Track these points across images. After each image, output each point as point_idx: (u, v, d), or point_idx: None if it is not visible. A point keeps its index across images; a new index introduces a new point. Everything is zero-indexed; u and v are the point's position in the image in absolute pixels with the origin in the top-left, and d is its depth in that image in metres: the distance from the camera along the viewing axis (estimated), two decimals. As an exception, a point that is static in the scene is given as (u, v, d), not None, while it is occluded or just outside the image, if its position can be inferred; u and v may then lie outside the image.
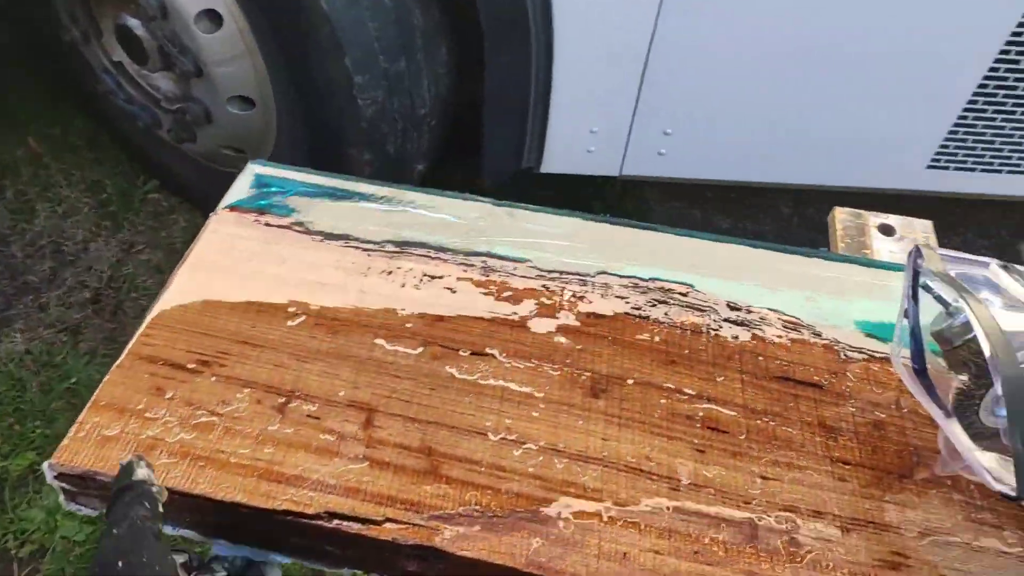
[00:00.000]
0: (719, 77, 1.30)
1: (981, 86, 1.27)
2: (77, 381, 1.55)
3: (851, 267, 0.70)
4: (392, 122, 1.31)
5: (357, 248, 0.69)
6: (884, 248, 0.76)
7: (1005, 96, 1.28)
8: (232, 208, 0.73)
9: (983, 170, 1.39)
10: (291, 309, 0.64)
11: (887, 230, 0.79)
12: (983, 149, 1.36)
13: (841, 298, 0.66)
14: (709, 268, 0.69)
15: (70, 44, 1.52)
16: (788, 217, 1.92)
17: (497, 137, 1.37)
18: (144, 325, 0.62)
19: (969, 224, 1.90)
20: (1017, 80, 1.25)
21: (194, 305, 0.64)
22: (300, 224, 0.71)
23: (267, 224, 0.71)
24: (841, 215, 0.81)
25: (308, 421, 0.57)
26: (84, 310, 1.69)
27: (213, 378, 0.59)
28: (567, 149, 1.42)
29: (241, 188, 0.75)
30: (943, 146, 1.36)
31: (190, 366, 0.60)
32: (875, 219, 0.80)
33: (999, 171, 1.39)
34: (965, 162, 1.38)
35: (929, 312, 0.54)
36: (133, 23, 1.32)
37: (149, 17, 1.29)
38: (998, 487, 0.46)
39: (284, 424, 0.57)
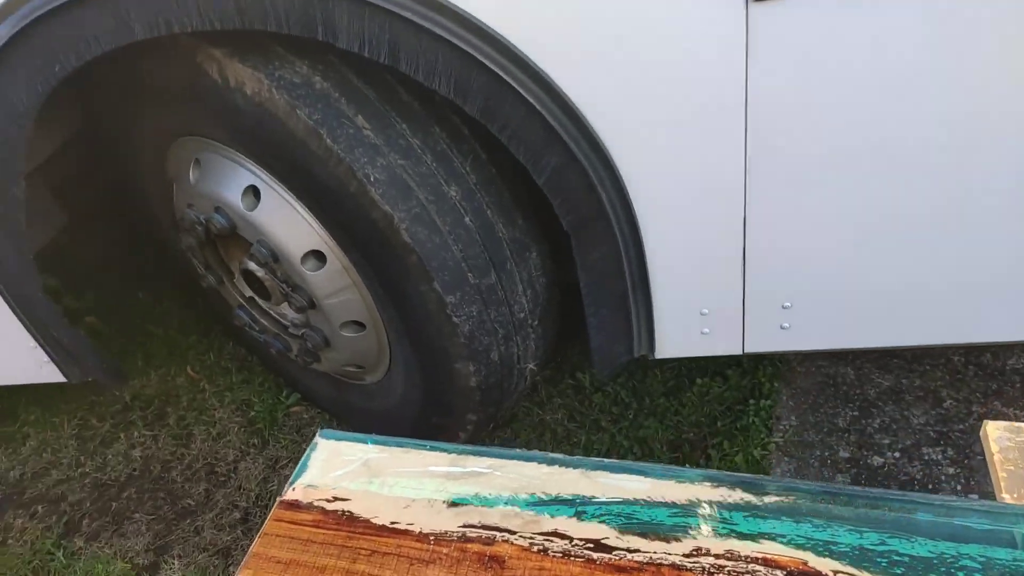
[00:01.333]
0: (834, 237, 1.19)
1: None
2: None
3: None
4: (492, 332, 1.30)
5: (418, 534, 0.64)
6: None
7: None
8: (302, 487, 0.71)
9: None
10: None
11: (1059, 447, 0.63)
12: None
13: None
14: (824, 525, 0.57)
15: (208, 287, 1.68)
16: (961, 366, 1.68)
17: (601, 331, 1.32)
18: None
19: None
20: None
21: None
22: (366, 500, 0.67)
23: (329, 509, 0.68)
24: (995, 433, 0.66)
25: None
26: (234, 531, 1.74)
27: None
28: (679, 334, 1.33)
29: (312, 464, 0.74)
30: None
31: None
32: (1041, 433, 0.65)
33: None
34: None
35: None
36: (254, 267, 1.44)
37: (263, 262, 1.40)
38: None
39: None
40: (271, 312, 1.64)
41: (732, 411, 1.70)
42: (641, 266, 1.24)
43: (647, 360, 1.38)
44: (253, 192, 1.39)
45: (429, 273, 1.20)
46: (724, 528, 0.59)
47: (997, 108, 1.04)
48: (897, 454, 1.56)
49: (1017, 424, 0.67)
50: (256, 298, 1.64)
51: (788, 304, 1.27)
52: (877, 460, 1.55)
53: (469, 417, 1.41)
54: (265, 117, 1.22)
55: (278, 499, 0.71)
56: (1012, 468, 0.64)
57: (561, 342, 1.78)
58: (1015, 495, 0.63)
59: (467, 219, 1.22)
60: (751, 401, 1.69)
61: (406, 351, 1.41)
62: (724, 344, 1.34)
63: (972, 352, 1.69)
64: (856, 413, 1.65)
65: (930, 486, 1.48)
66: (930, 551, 0.55)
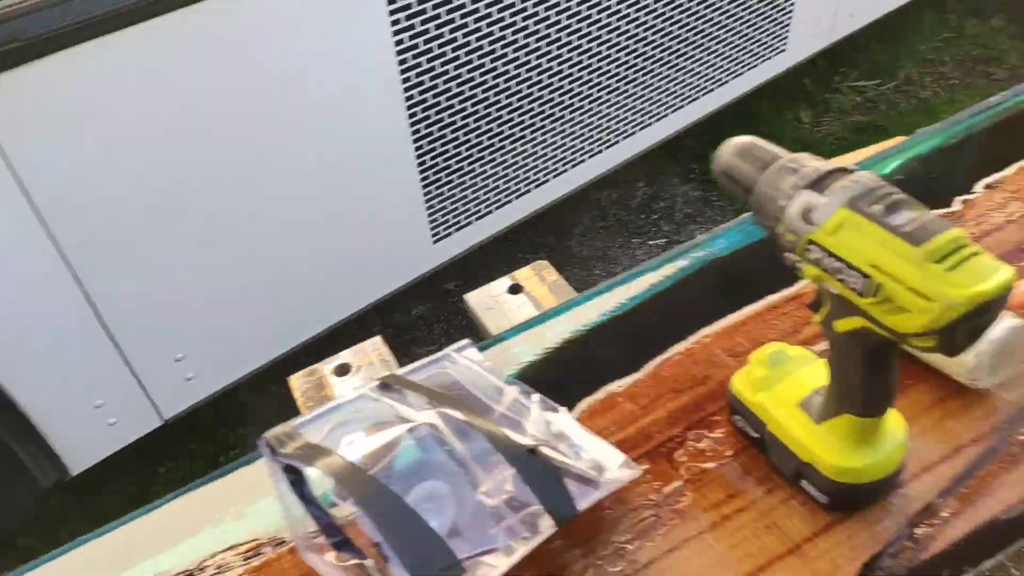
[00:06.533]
0: (181, 276, 1.18)
1: (420, 164, 1.34)
2: None
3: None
4: None
5: None
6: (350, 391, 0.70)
7: (435, 157, 1.36)
8: None
9: (478, 219, 1.48)
10: None
11: (342, 370, 0.73)
12: (464, 204, 1.44)
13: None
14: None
15: None
16: (380, 327, 1.87)
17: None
18: None
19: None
20: (431, 144, 1.34)
21: None
22: None
23: None
24: (297, 382, 0.73)
25: None
26: None
27: None
28: (83, 439, 1.19)
29: None
30: (432, 221, 1.42)
31: None
32: (328, 365, 0.74)
33: (491, 211, 1.49)
34: (459, 222, 1.46)
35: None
36: None
37: None
38: None
39: None
40: None
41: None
42: (-5, 393, 1.06)
43: (64, 482, 1.21)
44: None
45: None
46: None
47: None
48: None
49: (311, 367, 0.75)
50: None
51: (180, 356, 1.23)
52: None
53: None
54: None
55: None
56: (312, 403, 0.71)
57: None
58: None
59: None
60: (220, 458, 1.62)
61: None
62: (139, 424, 1.25)
63: (383, 313, 1.84)
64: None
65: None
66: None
